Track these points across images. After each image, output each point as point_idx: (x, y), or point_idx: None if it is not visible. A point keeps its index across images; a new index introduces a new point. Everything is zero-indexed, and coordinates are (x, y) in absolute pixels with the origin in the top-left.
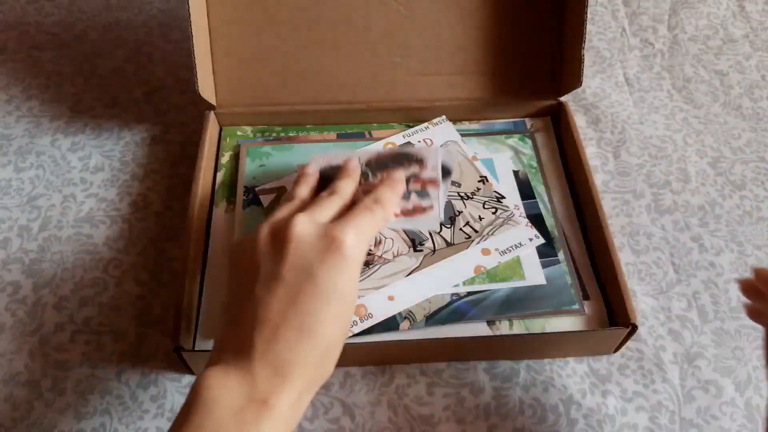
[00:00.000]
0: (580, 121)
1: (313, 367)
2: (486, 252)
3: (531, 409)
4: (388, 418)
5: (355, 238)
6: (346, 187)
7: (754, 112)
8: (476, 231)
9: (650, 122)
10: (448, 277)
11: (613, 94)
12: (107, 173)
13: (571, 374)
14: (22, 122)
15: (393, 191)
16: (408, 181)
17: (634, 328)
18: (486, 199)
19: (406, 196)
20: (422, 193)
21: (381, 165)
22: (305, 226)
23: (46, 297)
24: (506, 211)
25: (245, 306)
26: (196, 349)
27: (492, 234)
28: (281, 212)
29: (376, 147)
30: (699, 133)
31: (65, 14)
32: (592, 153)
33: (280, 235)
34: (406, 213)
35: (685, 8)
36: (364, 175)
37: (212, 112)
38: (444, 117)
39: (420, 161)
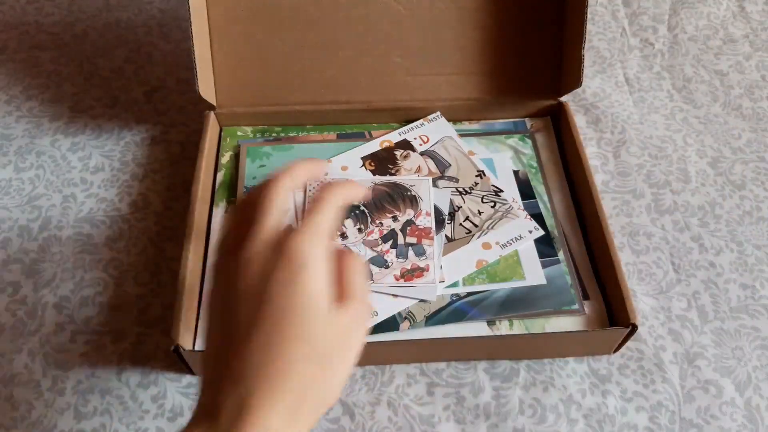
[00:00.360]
0: (580, 121)
1: (289, 394)
2: (487, 246)
3: (531, 409)
4: (388, 418)
5: (309, 243)
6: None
7: (754, 112)
8: (476, 225)
9: (650, 122)
10: (450, 273)
11: (613, 94)
12: (107, 173)
13: (571, 374)
14: (22, 122)
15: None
16: (404, 230)
17: (634, 328)
18: (484, 193)
19: (404, 253)
20: (418, 249)
21: (376, 202)
22: (253, 244)
23: (46, 297)
24: (505, 204)
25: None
26: (196, 349)
27: (492, 228)
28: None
29: (372, 146)
30: (699, 133)
31: (65, 14)
32: (592, 153)
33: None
34: (407, 277)
35: (685, 8)
36: (361, 213)
37: (212, 112)
38: (438, 113)
39: (413, 199)
